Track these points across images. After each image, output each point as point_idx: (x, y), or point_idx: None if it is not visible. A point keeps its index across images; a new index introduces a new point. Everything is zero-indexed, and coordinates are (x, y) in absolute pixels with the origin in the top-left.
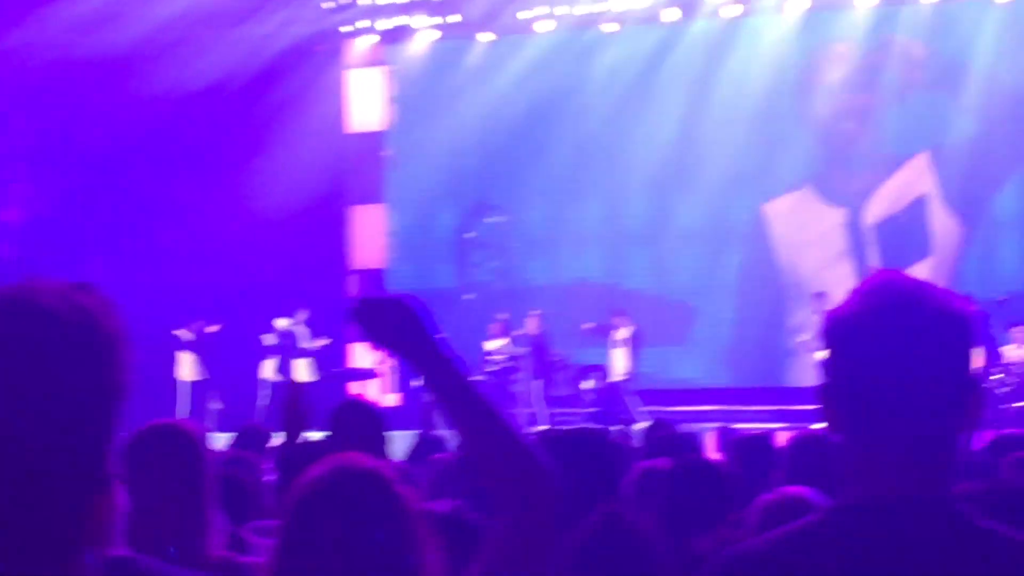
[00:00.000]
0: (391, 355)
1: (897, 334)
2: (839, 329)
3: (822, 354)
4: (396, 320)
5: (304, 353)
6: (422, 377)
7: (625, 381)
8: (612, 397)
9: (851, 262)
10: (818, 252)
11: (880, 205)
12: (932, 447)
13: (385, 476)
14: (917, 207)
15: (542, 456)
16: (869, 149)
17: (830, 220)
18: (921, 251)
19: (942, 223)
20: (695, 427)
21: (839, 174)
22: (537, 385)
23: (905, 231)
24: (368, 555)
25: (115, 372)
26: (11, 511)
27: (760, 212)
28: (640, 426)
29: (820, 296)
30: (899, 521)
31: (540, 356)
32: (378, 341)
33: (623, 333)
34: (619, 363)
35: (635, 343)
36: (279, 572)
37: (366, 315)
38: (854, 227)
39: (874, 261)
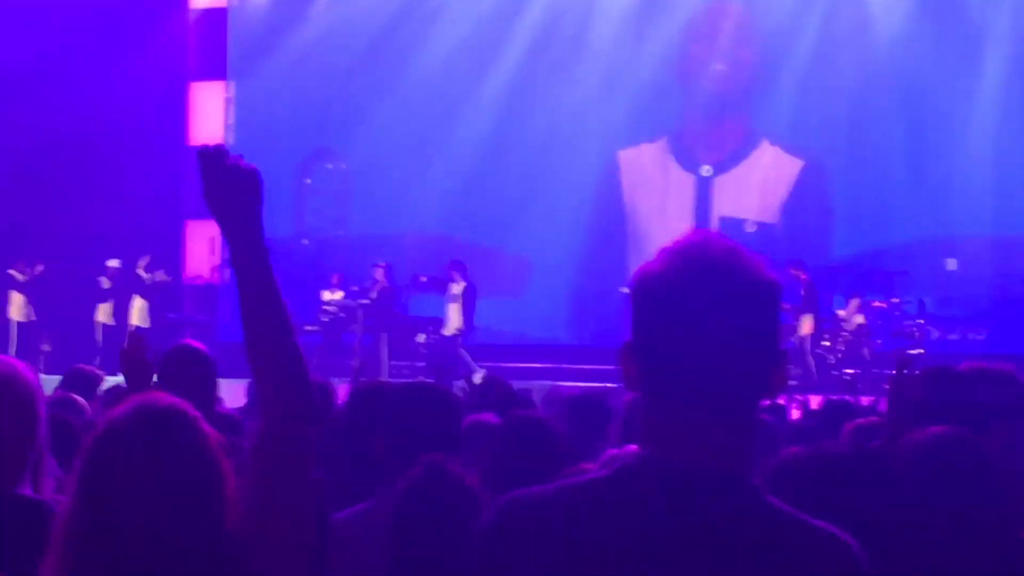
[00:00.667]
0: (217, 219)
1: (701, 297)
2: (645, 287)
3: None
4: (236, 185)
5: (142, 293)
6: (235, 253)
7: (459, 336)
8: (447, 352)
9: (697, 218)
10: (667, 205)
11: (732, 164)
12: (729, 415)
13: (184, 414)
14: (770, 168)
15: (311, 373)
16: (725, 104)
17: (680, 175)
18: (769, 212)
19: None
20: (532, 384)
21: (695, 129)
22: (383, 337)
23: (755, 191)
24: (166, 492)
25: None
26: None
27: (613, 161)
28: (474, 381)
29: None
30: (682, 489)
31: (386, 308)
32: (213, 199)
33: (458, 287)
34: (454, 317)
35: (469, 297)
36: (77, 511)
37: (211, 167)
38: (705, 183)
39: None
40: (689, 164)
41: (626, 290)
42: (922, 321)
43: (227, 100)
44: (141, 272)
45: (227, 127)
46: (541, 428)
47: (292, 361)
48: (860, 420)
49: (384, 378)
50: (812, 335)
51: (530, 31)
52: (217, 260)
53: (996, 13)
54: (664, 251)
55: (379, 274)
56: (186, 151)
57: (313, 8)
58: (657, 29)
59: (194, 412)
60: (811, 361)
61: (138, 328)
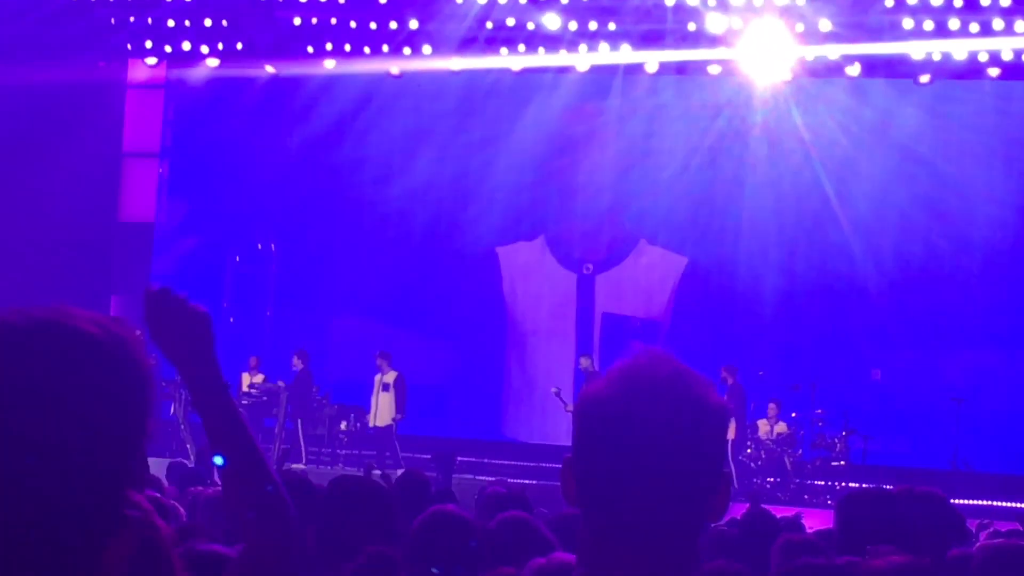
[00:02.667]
0: (171, 361)
1: (646, 420)
2: (591, 407)
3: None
4: (186, 327)
5: None
6: (193, 393)
7: (388, 426)
8: (375, 440)
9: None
10: (547, 302)
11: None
12: (669, 541)
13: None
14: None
15: (286, 491)
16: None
17: (560, 272)
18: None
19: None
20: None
21: (572, 228)
22: (298, 422)
23: (638, 288)
24: None
25: (143, 408)
26: (16, 543)
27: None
28: (397, 472)
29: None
30: None
31: (303, 393)
32: (161, 342)
33: (388, 376)
34: (386, 407)
35: (402, 386)
36: None
37: (158, 310)
38: (587, 280)
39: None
40: (569, 262)
41: (556, 390)
42: (845, 433)
43: (160, 176)
44: None
45: (159, 203)
46: (459, 526)
47: (266, 495)
48: (791, 536)
49: (301, 465)
50: (735, 441)
51: (449, 131)
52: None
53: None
54: (611, 372)
55: (296, 361)
56: (118, 227)
57: (250, 90)
58: (528, 134)
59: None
60: (732, 468)
61: None
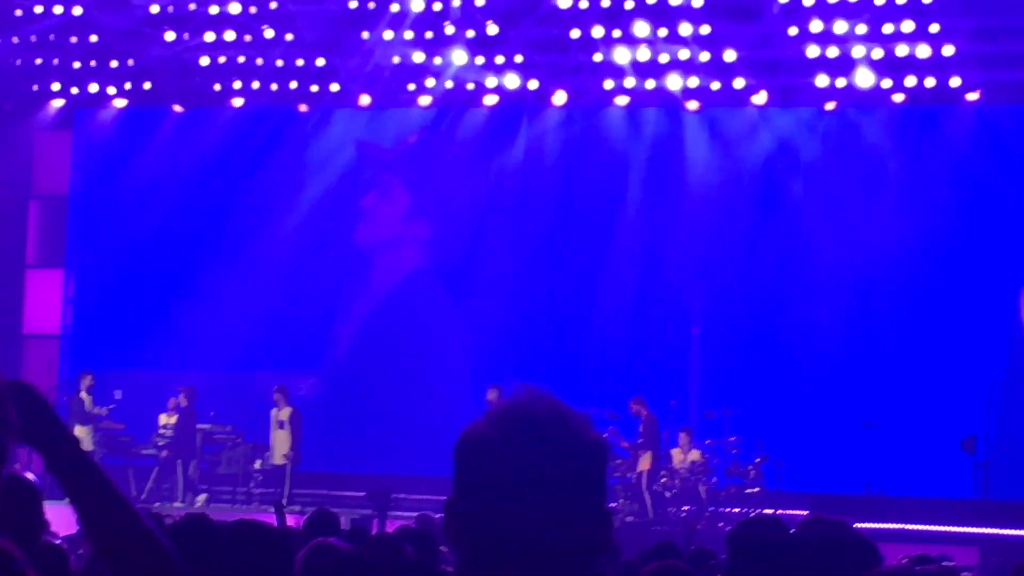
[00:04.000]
0: (38, 451)
1: (525, 458)
2: (469, 446)
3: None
4: (17, 405)
5: None
6: (62, 479)
7: (289, 463)
8: (276, 478)
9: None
10: None
11: None
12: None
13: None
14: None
15: (163, 538)
16: None
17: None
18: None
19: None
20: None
21: None
22: (178, 462)
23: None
24: None
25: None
26: None
27: None
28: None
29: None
30: None
31: (186, 432)
32: (30, 435)
33: (283, 412)
34: (282, 443)
35: (297, 422)
36: None
37: (24, 404)
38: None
39: None
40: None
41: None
42: (759, 460)
43: (64, 288)
44: None
45: (63, 315)
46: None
47: (144, 538)
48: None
49: (180, 502)
50: (650, 471)
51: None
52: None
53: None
54: (490, 410)
55: (181, 399)
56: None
57: (152, 203)
58: None
59: (16, 552)
60: (648, 498)
61: None
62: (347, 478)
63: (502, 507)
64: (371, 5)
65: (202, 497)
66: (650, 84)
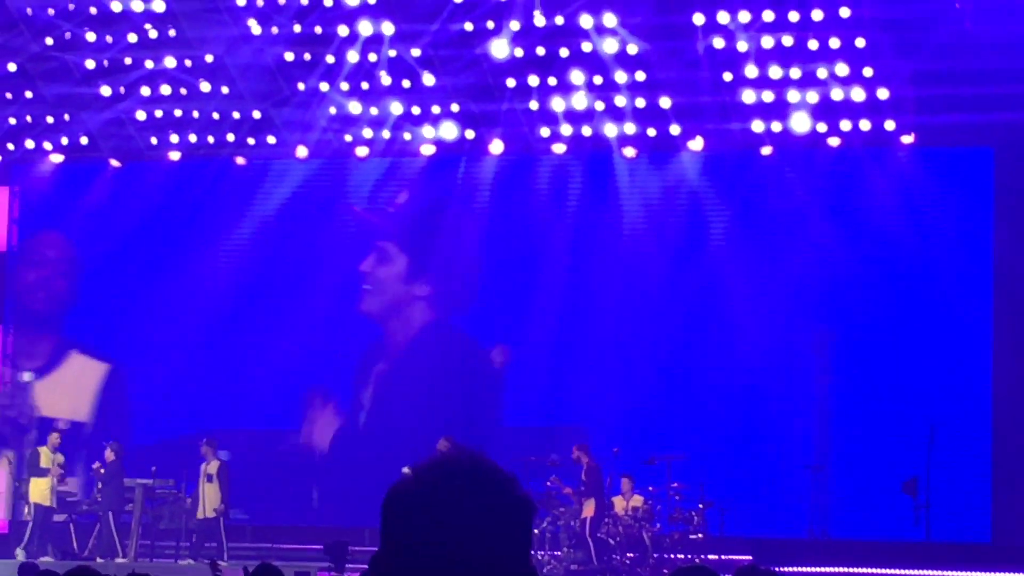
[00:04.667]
0: None
1: (450, 516)
2: (395, 504)
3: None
4: None
5: None
6: None
7: (219, 516)
8: (203, 533)
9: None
10: None
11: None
12: None
13: None
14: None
15: None
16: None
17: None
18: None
19: None
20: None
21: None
22: (109, 515)
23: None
24: None
25: None
26: None
27: None
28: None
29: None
30: None
31: (114, 485)
32: None
33: (212, 466)
34: (212, 496)
35: (225, 475)
36: None
37: None
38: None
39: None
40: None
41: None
42: (702, 506)
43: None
44: None
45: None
46: None
47: None
48: None
49: (120, 557)
50: (593, 518)
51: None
52: None
53: None
54: (418, 468)
55: (108, 453)
56: None
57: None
58: None
59: None
60: (591, 545)
61: None
62: (304, 531)
63: (426, 562)
64: (306, 56)
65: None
66: (586, 131)
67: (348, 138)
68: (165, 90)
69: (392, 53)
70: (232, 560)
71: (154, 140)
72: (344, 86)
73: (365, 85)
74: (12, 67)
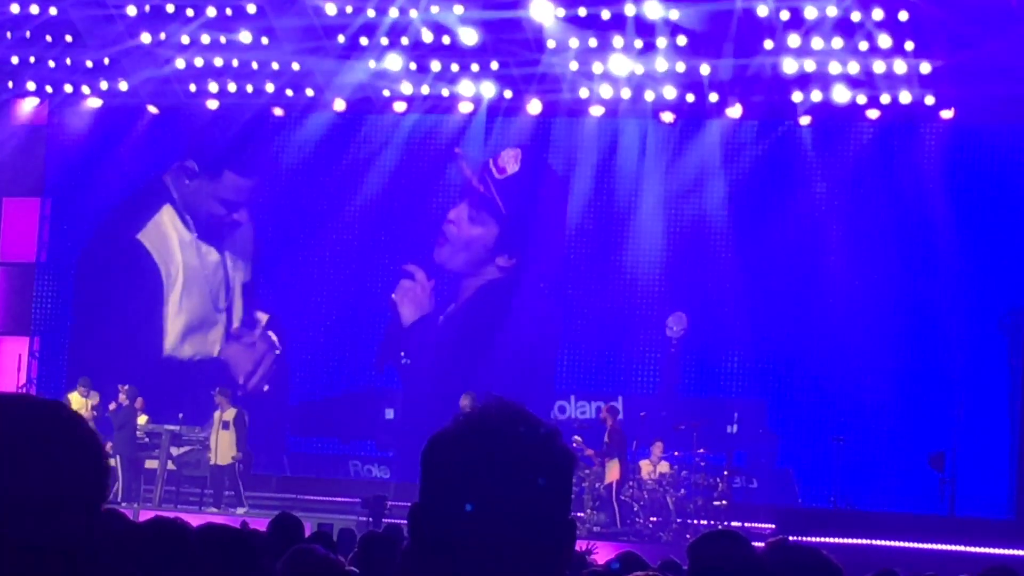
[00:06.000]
0: None
1: (489, 467)
2: (436, 453)
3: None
4: None
5: None
6: None
7: (236, 463)
8: (218, 480)
9: None
10: None
11: None
12: None
13: None
14: None
15: None
16: None
17: None
18: None
19: None
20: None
21: None
22: (119, 459)
23: None
24: None
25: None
26: None
27: None
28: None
29: None
30: None
31: (126, 429)
32: None
33: (227, 414)
34: (227, 445)
35: (239, 425)
36: None
37: None
38: None
39: None
40: None
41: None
42: (727, 472)
43: (42, 217)
44: None
45: (40, 244)
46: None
47: None
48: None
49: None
50: (618, 481)
51: None
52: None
53: None
54: (458, 419)
55: (122, 396)
56: None
57: (130, 133)
58: None
59: None
60: (616, 508)
61: None
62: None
63: (464, 512)
64: (348, 9)
65: None
66: (625, 94)
67: (386, 93)
68: (205, 39)
69: (435, 9)
70: (253, 509)
71: (192, 87)
72: (383, 41)
73: (405, 40)
74: (53, 11)
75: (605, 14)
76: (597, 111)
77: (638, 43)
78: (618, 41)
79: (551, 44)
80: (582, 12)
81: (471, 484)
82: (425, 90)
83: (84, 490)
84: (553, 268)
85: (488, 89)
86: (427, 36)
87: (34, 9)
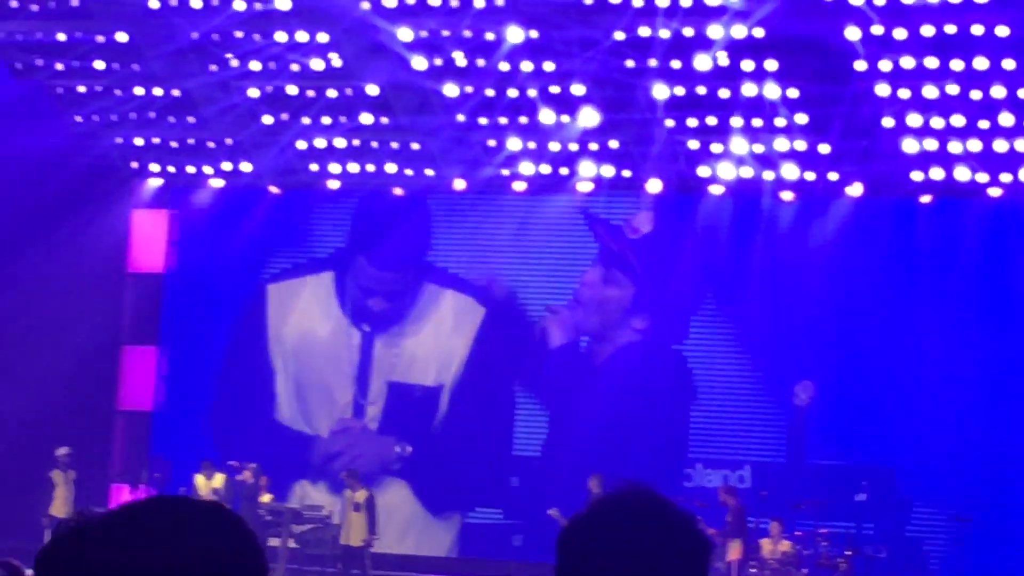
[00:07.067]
0: None
1: (627, 550)
2: (573, 537)
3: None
4: None
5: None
6: None
7: (366, 546)
8: (348, 561)
9: None
10: None
11: None
12: None
13: None
14: None
15: None
16: None
17: None
18: None
19: None
20: None
21: None
22: None
23: None
24: None
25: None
26: None
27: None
28: None
29: None
30: None
31: (250, 507)
32: None
33: (359, 496)
34: (359, 526)
35: (370, 507)
36: None
37: None
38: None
39: None
40: None
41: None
42: (850, 552)
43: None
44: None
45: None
46: None
47: None
48: None
49: None
50: (740, 560)
51: None
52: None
53: None
54: (594, 502)
55: (247, 473)
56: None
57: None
58: None
59: None
60: None
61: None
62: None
63: None
64: (468, 89)
65: None
66: (746, 173)
67: (505, 172)
68: (326, 120)
69: (555, 90)
70: None
71: (314, 167)
72: (502, 120)
73: (524, 120)
74: (176, 92)
75: (724, 93)
76: (717, 190)
77: (757, 122)
78: (737, 121)
79: (669, 123)
80: (701, 90)
81: (607, 571)
82: (545, 169)
83: None
84: (685, 332)
85: (608, 170)
86: (547, 118)
87: (158, 91)
